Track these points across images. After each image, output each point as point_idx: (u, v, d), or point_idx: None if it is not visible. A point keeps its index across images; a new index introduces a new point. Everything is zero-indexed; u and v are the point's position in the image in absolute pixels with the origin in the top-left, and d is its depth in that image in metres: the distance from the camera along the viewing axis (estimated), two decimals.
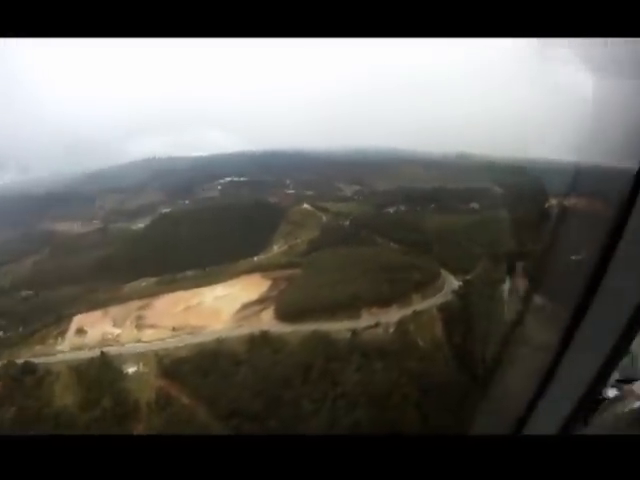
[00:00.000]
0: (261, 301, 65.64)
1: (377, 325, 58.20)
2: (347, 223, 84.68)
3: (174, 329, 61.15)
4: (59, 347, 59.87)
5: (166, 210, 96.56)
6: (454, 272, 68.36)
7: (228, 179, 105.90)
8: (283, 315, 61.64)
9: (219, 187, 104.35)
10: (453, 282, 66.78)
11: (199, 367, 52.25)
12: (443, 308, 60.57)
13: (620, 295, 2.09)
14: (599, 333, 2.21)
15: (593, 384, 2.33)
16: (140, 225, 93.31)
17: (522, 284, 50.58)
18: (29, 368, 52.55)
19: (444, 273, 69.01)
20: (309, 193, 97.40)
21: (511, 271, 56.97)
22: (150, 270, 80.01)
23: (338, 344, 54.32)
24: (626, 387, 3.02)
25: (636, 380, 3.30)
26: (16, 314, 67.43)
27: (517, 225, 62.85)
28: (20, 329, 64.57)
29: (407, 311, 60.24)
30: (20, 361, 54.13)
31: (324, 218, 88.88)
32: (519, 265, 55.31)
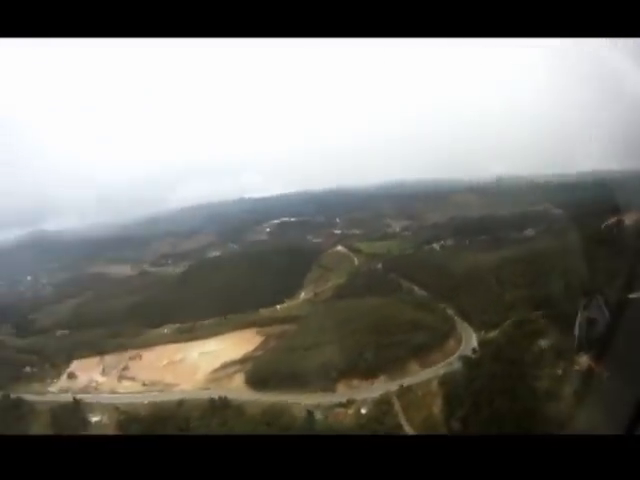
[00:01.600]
0: (242, 361, 58.96)
1: (349, 403, 47.36)
2: (379, 266, 76.17)
3: (144, 384, 58.25)
4: (50, 388, 60.99)
5: (215, 254, 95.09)
6: (478, 327, 55.10)
7: (278, 220, 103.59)
8: (253, 380, 54.20)
9: (268, 229, 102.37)
10: (472, 342, 53.44)
11: (147, 428, 46.97)
12: (447, 380, 47.33)
13: None
14: None
15: None
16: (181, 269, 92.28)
17: (571, 343, 39.90)
18: (16, 403, 54.37)
19: (463, 329, 56.46)
20: (355, 232, 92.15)
21: (558, 324, 44.14)
22: (177, 316, 77.46)
23: (293, 423, 45.56)
24: None
25: None
26: (47, 352, 69.09)
27: (575, 253, 49.85)
28: (46, 366, 65.98)
29: (393, 385, 48.45)
30: (14, 396, 55.75)
31: (356, 261, 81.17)
32: (569, 315, 42.94)
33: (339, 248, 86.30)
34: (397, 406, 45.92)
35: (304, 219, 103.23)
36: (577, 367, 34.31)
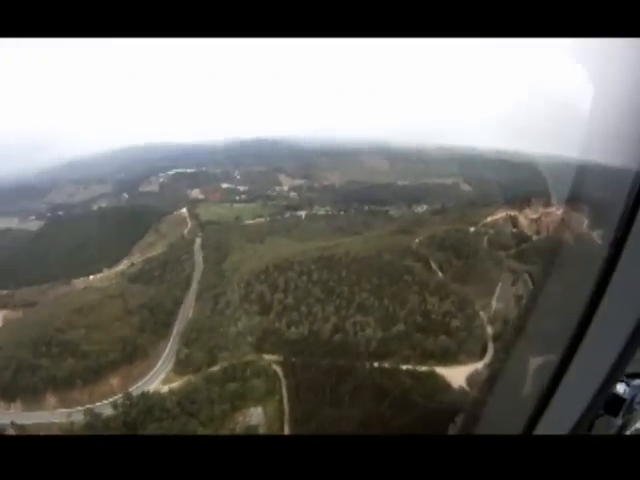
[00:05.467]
0: None
1: None
2: (198, 239, 59.60)
3: None
4: None
5: (100, 205, 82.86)
6: (179, 363, 36.85)
7: (173, 171, 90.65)
8: None
9: (161, 179, 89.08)
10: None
11: None
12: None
13: (631, 293, 1.89)
14: (611, 330, 2.00)
15: (605, 383, 2.09)
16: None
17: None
18: None
19: (166, 362, 37.31)
20: (240, 188, 79.16)
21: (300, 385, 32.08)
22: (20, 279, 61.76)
23: None
24: None
25: None
26: None
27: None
28: None
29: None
30: None
31: (187, 229, 64.48)
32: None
33: (182, 211, 70.85)
34: None
35: (200, 170, 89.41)
36: None
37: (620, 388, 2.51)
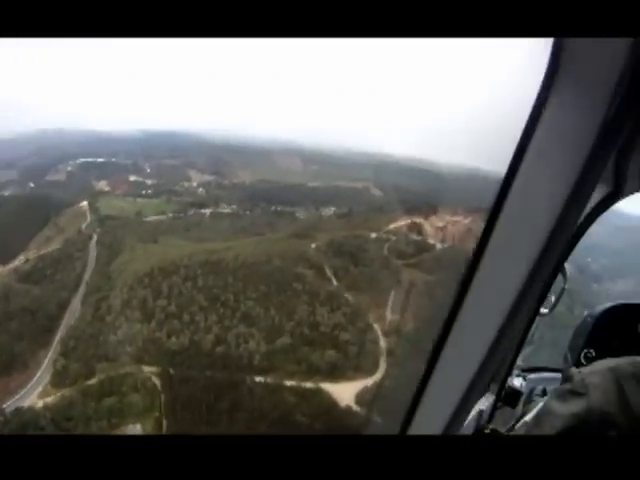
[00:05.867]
0: None
1: None
2: (95, 234, 57.76)
3: None
4: None
5: (4, 194, 75.86)
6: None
7: (83, 160, 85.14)
8: None
9: (69, 169, 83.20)
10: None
11: None
12: None
13: (492, 297, 1.97)
14: (472, 335, 2.07)
15: (473, 383, 2.13)
16: None
17: None
18: None
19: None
20: (150, 182, 75.87)
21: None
22: None
23: None
24: None
25: (541, 369, 3.37)
26: None
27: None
28: None
29: None
30: None
31: (84, 225, 61.73)
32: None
33: (84, 204, 68.19)
34: None
35: (110, 161, 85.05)
36: None
37: (517, 382, 2.89)
